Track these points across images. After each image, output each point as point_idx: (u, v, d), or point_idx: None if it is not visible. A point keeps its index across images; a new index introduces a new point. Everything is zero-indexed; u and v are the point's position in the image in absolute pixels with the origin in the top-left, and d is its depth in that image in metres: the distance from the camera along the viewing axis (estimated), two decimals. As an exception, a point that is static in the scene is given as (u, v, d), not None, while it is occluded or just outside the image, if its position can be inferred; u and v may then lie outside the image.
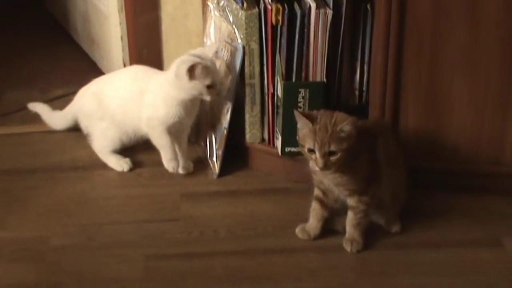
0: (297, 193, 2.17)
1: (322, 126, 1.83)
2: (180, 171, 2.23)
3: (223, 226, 2.06)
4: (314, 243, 1.98)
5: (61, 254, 1.96)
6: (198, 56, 2.12)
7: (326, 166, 1.83)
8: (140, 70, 2.29)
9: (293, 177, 2.22)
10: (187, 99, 2.15)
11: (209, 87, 2.11)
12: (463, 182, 2.14)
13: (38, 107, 2.48)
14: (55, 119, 2.44)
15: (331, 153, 1.82)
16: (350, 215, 1.94)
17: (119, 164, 2.29)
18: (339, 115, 1.84)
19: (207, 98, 2.13)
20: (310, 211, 1.98)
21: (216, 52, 2.21)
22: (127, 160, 2.30)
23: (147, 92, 2.19)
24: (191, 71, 2.09)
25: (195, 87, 2.11)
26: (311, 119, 1.83)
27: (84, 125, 2.35)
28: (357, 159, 1.86)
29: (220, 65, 2.22)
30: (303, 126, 1.85)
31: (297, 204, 2.13)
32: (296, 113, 1.86)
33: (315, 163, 1.84)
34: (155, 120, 2.17)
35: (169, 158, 2.20)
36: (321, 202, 1.96)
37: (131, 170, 2.29)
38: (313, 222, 1.98)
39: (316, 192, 1.96)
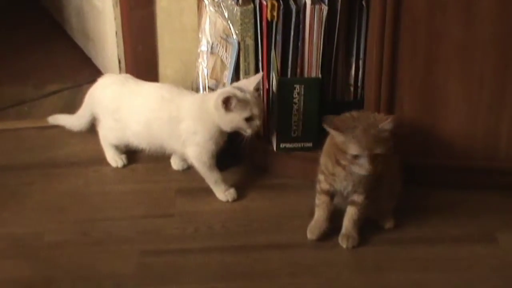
0: (292, 189, 2.17)
1: (364, 129, 1.80)
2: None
3: (218, 222, 2.06)
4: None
5: (56, 250, 1.95)
6: (240, 88, 2.05)
7: (375, 170, 1.81)
8: (168, 91, 2.17)
9: (288, 173, 2.22)
10: (225, 130, 2.08)
11: (247, 119, 2.04)
12: (458, 178, 2.15)
13: (59, 119, 2.39)
14: (75, 120, 2.36)
15: (378, 155, 1.80)
16: (352, 210, 1.94)
17: (114, 159, 2.29)
18: (376, 115, 1.84)
19: (248, 131, 2.05)
20: (317, 205, 1.96)
21: (258, 83, 2.09)
22: (123, 156, 2.29)
23: (184, 122, 2.10)
24: (225, 103, 2.02)
25: (232, 120, 2.04)
26: (340, 130, 1.81)
27: (95, 111, 2.28)
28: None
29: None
30: (336, 136, 1.82)
31: (293, 200, 2.13)
32: (325, 126, 1.83)
33: (361, 168, 1.81)
34: (203, 155, 2.10)
35: (223, 189, 2.14)
36: (330, 195, 1.94)
37: (125, 166, 2.28)
38: (323, 214, 1.95)
39: (326, 186, 1.94)
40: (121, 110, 2.19)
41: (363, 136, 1.79)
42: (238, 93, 2.03)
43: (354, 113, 1.88)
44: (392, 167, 1.96)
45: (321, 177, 1.94)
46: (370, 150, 1.79)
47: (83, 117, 2.34)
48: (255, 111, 2.04)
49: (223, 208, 2.12)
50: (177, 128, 2.12)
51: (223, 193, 2.13)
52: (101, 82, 2.30)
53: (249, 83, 2.08)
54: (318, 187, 1.96)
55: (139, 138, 2.20)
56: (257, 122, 2.05)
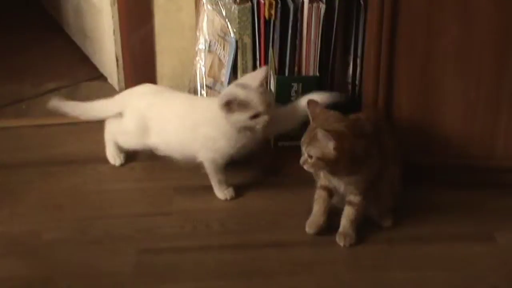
0: (290, 187, 2.17)
1: (313, 125, 1.84)
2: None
3: (216, 220, 2.06)
4: (307, 237, 1.97)
5: (53, 248, 1.95)
6: (243, 85, 2.01)
7: (303, 164, 1.85)
8: (193, 100, 2.19)
9: (286, 171, 2.22)
10: (238, 129, 2.04)
11: (254, 117, 1.99)
12: (455, 176, 2.15)
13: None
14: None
15: (309, 155, 1.84)
16: (349, 210, 1.94)
17: (113, 156, 2.28)
18: (332, 125, 1.82)
19: (257, 127, 2.00)
20: (314, 199, 1.97)
21: (264, 78, 2.03)
22: (122, 155, 2.28)
23: (202, 128, 2.09)
24: (227, 106, 1.99)
25: (238, 120, 2.00)
26: (312, 114, 1.88)
27: (122, 113, 2.21)
28: (366, 163, 1.87)
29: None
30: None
31: (290, 198, 2.13)
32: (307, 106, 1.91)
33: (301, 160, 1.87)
34: (218, 158, 2.09)
35: (224, 188, 2.14)
36: (329, 191, 1.95)
37: (122, 165, 2.28)
38: (319, 209, 1.96)
39: (325, 182, 1.95)
40: (152, 120, 2.14)
41: (307, 133, 1.85)
42: (240, 93, 1.98)
43: (333, 113, 1.88)
44: (393, 161, 1.96)
45: (320, 173, 1.95)
46: (303, 144, 1.85)
47: (108, 113, 2.25)
48: (261, 107, 1.98)
49: (221, 206, 2.12)
50: (197, 132, 2.09)
51: (222, 191, 2.13)
52: (137, 90, 2.24)
53: (254, 79, 2.02)
54: (317, 182, 1.97)
55: (171, 149, 2.15)
56: (265, 117, 1.99)
